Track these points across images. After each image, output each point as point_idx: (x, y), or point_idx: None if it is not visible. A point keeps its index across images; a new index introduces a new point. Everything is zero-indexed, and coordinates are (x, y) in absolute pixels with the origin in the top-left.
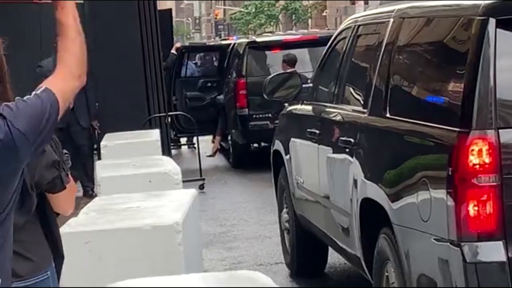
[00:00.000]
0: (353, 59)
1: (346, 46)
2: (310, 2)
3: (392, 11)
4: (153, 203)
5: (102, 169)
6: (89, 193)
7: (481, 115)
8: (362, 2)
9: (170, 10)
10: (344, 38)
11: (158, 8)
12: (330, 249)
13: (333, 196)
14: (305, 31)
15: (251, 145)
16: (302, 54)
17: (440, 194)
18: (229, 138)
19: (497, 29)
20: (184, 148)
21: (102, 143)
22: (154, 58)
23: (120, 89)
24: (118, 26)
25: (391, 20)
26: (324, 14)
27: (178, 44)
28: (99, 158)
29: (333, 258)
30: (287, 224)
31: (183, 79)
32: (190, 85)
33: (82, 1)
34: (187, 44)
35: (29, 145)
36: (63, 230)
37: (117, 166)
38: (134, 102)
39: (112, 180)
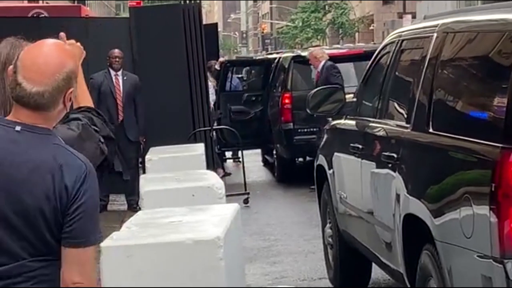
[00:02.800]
0: (396, 74)
1: (390, 61)
2: (357, 16)
3: (435, 26)
4: (195, 218)
5: (146, 183)
6: (133, 207)
7: None
8: (410, 16)
9: (216, 24)
10: (388, 52)
11: (205, 22)
12: (373, 264)
13: (376, 212)
14: (351, 45)
15: (296, 159)
16: (347, 68)
17: (483, 210)
18: (274, 152)
19: None
20: (229, 162)
21: (147, 156)
22: (200, 72)
23: (165, 103)
24: (163, 41)
25: (435, 34)
26: (371, 28)
27: (221, 59)
28: (144, 172)
29: (377, 273)
30: (330, 239)
31: (228, 93)
32: (235, 99)
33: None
34: (234, 58)
35: None
36: (105, 243)
37: (161, 180)
38: (179, 116)
39: (155, 194)
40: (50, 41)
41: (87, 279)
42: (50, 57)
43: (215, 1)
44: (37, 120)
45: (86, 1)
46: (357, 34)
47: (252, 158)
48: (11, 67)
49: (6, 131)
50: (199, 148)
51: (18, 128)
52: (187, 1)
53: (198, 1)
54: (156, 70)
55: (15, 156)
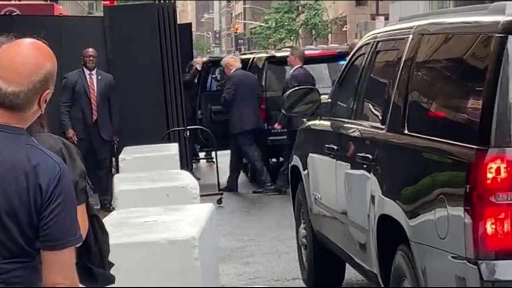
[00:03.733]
0: (371, 75)
1: (365, 62)
2: (330, 17)
3: (411, 28)
4: (170, 217)
5: (119, 183)
6: (106, 206)
7: (499, 132)
8: (383, 18)
9: (190, 24)
10: (363, 53)
11: (179, 22)
12: (347, 265)
13: (351, 212)
14: (325, 46)
15: (270, 160)
16: (321, 69)
17: (458, 211)
18: None
19: None
20: (202, 162)
21: (121, 156)
22: (174, 72)
23: (139, 103)
24: (137, 40)
25: (410, 36)
26: (344, 29)
27: (203, 58)
28: (117, 172)
29: (350, 274)
30: (304, 240)
31: (208, 93)
32: (215, 99)
33: (102, 15)
34: (206, 58)
35: None
36: None
37: (135, 179)
38: (153, 115)
39: (129, 194)
40: (28, 41)
41: (69, 280)
42: (27, 57)
43: (188, 0)
44: (11, 120)
45: (59, 0)
46: (330, 35)
47: (226, 158)
48: None
49: None
50: (173, 148)
51: None
52: (162, 1)
53: (172, 1)
54: (130, 69)
55: None
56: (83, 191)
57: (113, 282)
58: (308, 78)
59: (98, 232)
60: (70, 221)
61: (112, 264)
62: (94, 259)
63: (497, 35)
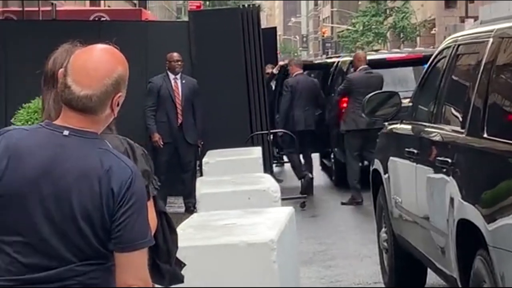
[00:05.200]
0: (452, 78)
1: (446, 66)
2: (419, 20)
3: (491, 31)
4: (249, 220)
5: (202, 186)
6: (190, 209)
7: None
8: (472, 20)
9: (275, 28)
10: (444, 57)
11: (266, 26)
12: (428, 269)
13: (431, 216)
14: (410, 49)
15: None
16: (406, 72)
17: None
18: (332, 156)
19: None
20: (287, 165)
21: (204, 159)
22: (257, 76)
23: (223, 107)
24: (222, 45)
25: (491, 40)
26: (432, 32)
27: (281, 63)
28: (201, 175)
29: (432, 279)
30: (385, 244)
31: None
32: None
33: (187, 20)
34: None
35: None
36: None
37: (217, 183)
38: (237, 119)
39: (211, 197)
40: (100, 46)
41: (141, 281)
42: (100, 62)
43: (276, 2)
44: (85, 123)
45: (147, 5)
46: (418, 38)
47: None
48: (61, 70)
49: (54, 135)
50: (256, 152)
51: (66, 132)
52: (246, 5)
53: (257, 6)
54: (214, 74)
55: (63, 161)
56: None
57: (182, 281)
58: (304, 83)
59: (166, 229)
60: (141, 223)
61: (184, 264)
62: (161, 256)
63: None
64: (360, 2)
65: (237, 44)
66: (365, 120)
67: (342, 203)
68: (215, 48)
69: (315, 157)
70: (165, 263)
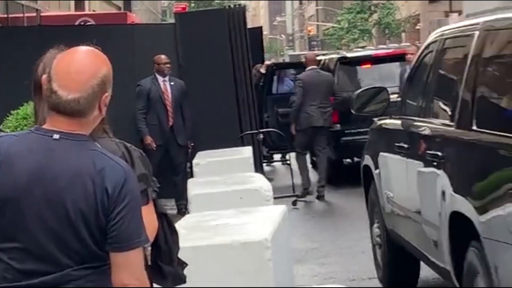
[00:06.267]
0: (440, 72)
1: (433, 60)
2: (403, 15)
3: (477, 24)
4: (242, 220)
5: (193, 187)
6: (182, 211)
7: None
8: (456, 15)
9: (261, 27)
10: (431, 51)
11: (251, 25)
12: (422, 263)
13: (422, 210)
14: (397, 45)
15: (344, 160)
16: (393, 68)
17: None
18: None
19: None
20: (278, 164)
21: (195, 161)
22: (245, 76)
23: (212, 107)
24: (208, 45)
25: (477, 32)
26: (417, 27)
27: (268, 62)
28: (192, 176)
29: (425, 272)
30: (378, 239)
31: (274, 96)
32: (282, 102)
33: (173, 22)
34: (281, 60)
35: None
36: None
37: (209, 183)
38: (226, 120)
39: (203, 198)
40: (82, 48)
41: (138, 281)
42: (83, 64)
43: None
44: (74, 126)
45: (132, 7)
46: (403, 34)
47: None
48: (45, 76)
49: (44, 139)
50: (247, 151)
51: (56, 136)
52: (232, 6)
53: (242, 6)
54: (202, 75)
55: (54, 165)
56: (143, 194)
57: (184, 281)
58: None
59: (167, 230)
60: (136, 222)
61: (186, 264)
62: (163, 257)
63: None
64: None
65: (224, 45)
66: (317, 118)
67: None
68: (202, 49)
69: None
70: (167, 264)
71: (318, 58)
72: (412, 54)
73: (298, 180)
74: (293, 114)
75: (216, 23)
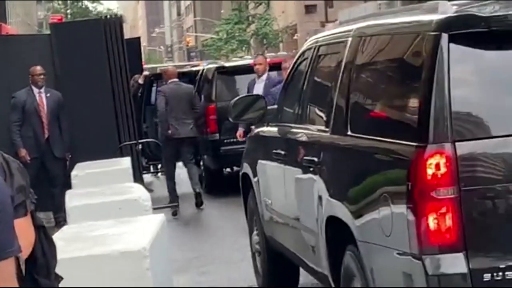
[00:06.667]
0: (314, 79)
1: (308, 67)
2: (281, 26)
3: (350, 30)
4: (121, 230)
5: (71, 199)
6: (61, 224)
7: (437, 129)
8: (331, 25)
9: (139, 38)
10: (306, 58)
11: (129, 36)
12: (301, 269)
13: (300, 216)
14: (273, 54)
15: (224, 169)
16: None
17: (401, 208)
18: (201, 163)
19: (450, 44)
20: (158, 175)
21: (73, 173)
22: (123, 87)
23: (90, 118)
24: (85, 56)
25: (350, 39)
26: (295, 37)
27: (145, 72)
28: (70, 188)
29: (305, 278)
30: (257, 246)
31: (153, 106)
32: None
33: (49, 33)
34: (158, 71)
35: None
36: None
37: (87, 194)
38: (104, 130)
39: (81, 209)
40: None
41: None
42: None
43: (139, 13)
44: None
45: (7, 20)
46: (281, 44)
47: (180, 170)
48: None
49: None
50: (125, 162)
51: None
52: (108, 16)
53: (119, 16)
54: (79, 85)
55: None
56: (22, 205)
57: None
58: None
59: (44, 243)
60: (7, 232)
61: (61, 278)
62: (40, 270)
63: (430, 33)
64: (222, 11)
65: (101, 55)
66: (180, 129)
67: (154, 208)
68: (79, 60)
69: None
70: (44, 277)
71: (183, 70)
72: (288, 62)
73: (178, 190)
74: (161, 125)
75: (92, 33)
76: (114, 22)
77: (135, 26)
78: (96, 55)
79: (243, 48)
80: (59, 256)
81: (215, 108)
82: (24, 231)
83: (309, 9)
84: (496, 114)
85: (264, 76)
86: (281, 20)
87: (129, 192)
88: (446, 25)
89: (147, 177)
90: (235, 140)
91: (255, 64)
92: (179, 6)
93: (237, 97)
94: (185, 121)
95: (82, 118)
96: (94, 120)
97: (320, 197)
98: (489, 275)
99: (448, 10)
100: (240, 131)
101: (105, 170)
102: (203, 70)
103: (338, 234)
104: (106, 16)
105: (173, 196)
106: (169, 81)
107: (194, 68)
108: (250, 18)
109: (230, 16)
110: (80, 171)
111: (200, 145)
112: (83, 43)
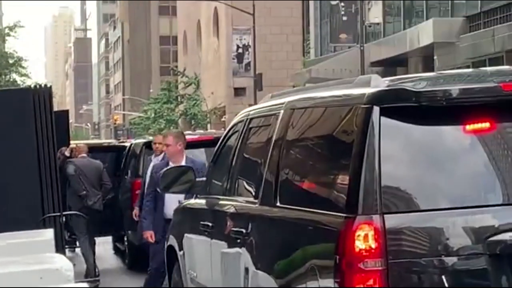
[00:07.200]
0: (245, 152)
1: (238, 140)
2: (209, 107)
3: (282, 103)
4: None
5: None
6: None
7: (367, 201)
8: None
9: (67, 111)
10: (237, 131)
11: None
12: None
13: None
14: (202, 131)
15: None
16: (199, 153)
17: (329, 282)
18: (125, 239)
19: (381, 117)
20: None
21: None
22: (50, 159)
23: (13, 189)
24: (11, 125)
25: (281, 112)
26: (223, 119)
27: (72, 145)
28: None
29: None
30: None
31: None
32: None
33: None
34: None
35: None
36: None
37: (8, 264)
38: (27, 201)
39: (2, 278)
40: None
41: None
42: None
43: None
44: None
45: None
46: (209, 125)
47: (103, 246)
48: None
49: None
50: (48, 234)
51: None
52: (38, 86)
53: (48, 86)
54: (3, 155)
55: None
56: None
57: None
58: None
59: None
60: None
61: None
62: None
63: (362, 106)
64: (151, 90)
65: (28, 125)
66: (88, 200)
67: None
68: (4, 129)
69: (108, 240)
70: None
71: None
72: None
73: (101, 266)
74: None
75: (20, 102)
76: (44, 92)
77: (62, 103)
78: (22, 124)
79: (171, 128)
80: None
81: (142, 183)
82: None
83: (238, 91)
84: (423, 188)
85: (160, 156)
86: (210, 101)
87: (51, 262)
88: (377, 98)
89: (69, 252)
90: None
91: (155, 143)
92: (109, 84)
93: (166, 168)
94: (93, 192)
95: (5, 188)
96: (18, 191)
97: (246, 269)
98: None
99: (380, 84)
100: (136, 210)
101: (27, 240)
102: (131, 145)
103: None
104: (35, 86)
105: (91, 270)
106: (79, 156)
107: (120, 144)
108: (179, 98)
109: (159, 96)
110: (1, 241)
111: (124, 220)
112: (10, 112)
